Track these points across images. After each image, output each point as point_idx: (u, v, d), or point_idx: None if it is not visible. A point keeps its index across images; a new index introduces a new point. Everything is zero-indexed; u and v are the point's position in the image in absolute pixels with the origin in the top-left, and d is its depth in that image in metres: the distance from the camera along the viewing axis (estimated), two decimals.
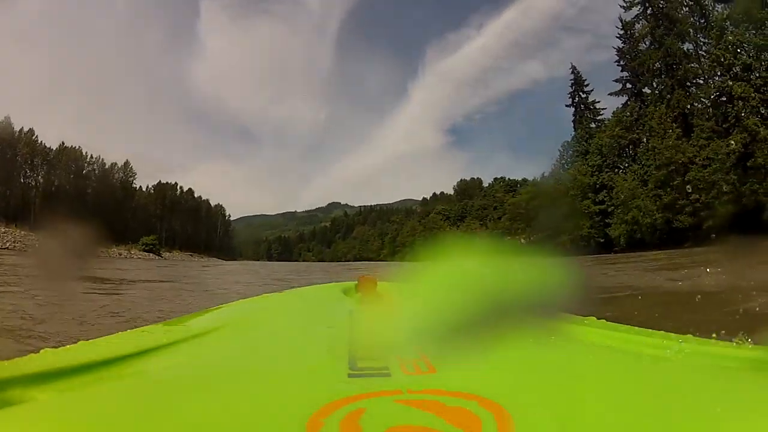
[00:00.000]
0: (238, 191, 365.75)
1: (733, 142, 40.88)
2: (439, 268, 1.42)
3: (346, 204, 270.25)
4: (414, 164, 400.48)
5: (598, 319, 1.65)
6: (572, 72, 67.44)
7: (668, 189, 43.78)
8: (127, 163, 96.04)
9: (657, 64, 50.96)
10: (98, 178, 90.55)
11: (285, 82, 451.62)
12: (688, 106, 47.20)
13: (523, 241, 61.23)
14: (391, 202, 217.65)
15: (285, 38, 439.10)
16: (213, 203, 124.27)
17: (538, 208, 60.37)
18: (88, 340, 1.26)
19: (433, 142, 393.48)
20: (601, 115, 63.42)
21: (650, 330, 1.39)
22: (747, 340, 1.21)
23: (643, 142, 50.80)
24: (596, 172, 54.43)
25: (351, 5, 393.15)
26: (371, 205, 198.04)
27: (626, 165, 52.79)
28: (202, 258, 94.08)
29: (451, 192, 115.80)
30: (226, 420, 0.70)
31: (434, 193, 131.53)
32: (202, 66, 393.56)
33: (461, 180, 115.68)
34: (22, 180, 79.90)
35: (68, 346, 1.14)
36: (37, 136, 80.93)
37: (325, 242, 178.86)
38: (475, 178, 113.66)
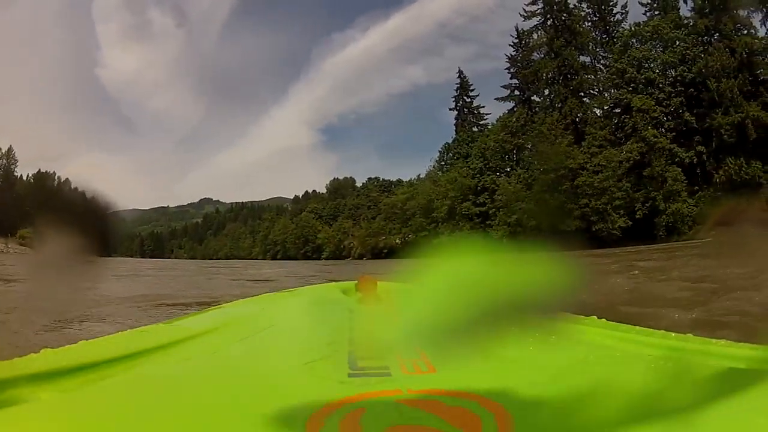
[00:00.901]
0: (114, 184, 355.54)
1: (626, 150, 44.05)
2: (439, 268, 1.38)
3: (218, 200, 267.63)
4: (287, 162, 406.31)
5: (599, 319, 1.60)
6: (459, 76, 68.75)
7: (555, 194, 44.98)
8: (10, 149, 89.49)
9: (551, 73, 53.23)
10: None
11: (165, 71, 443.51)
12: (580, 115, 49.61)
13: (398, 241, 60.20)
14: (263, 199, 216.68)
15: (169, 27, 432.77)
16: (88, 196, 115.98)
17: (415, 208, 61.00)
18: (88, 339, 1.25)
19: (307, 141, 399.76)
20: (485, 119, 65.01)
21: (650, 330, 1.38)
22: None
23: (528, 147, 52.87)
24: (477, 175, 55.39)
25: None
26: (243, 202, 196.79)
27: (509, 169, 54.21)
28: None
29: (324, 191, 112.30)
30: (227, 420, 0.72)
31: (306, 191, 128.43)
32: (89, 54, 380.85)
33: (334, 179, 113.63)
34: None
35: (68, 346, 1.16)
36: None
37: (196, 239, 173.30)
38: (348, 177, 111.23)
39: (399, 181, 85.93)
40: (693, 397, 0.78)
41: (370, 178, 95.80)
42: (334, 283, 3.20)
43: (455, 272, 1.27)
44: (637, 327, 1.43)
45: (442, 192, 56.70)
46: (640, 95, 44.52)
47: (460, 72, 68.49)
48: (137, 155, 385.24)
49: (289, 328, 1.64)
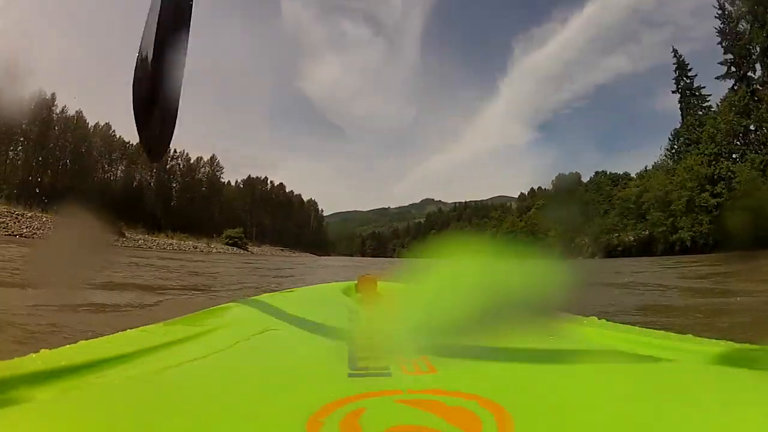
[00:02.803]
0: (330, 188, 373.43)
1: None
2: (439, 268, 1.41)
3: (440, 200, 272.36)
4: (506, 160, 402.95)
5: (599, 319, 1.65)
6: (674, 55, 65.02)
7: None
8: (213, 158, 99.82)
9: (764, 44, 49.00)
10: (183, 173, 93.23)
11: (373, 80, 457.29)
12: None
13: (631, 238, 58.60)
14: (485, 198, 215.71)
15: (368, 38, 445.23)
16: (305, 199, 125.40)
17: (652, 201, 57.61)
18: (88, 340, 1.26)
19: (524, 138, 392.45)
20: (708, 101, 61.99)
21: (650, 330, 1.42)
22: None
23: (754, 129, 49.32)
24: (713, 162, 52.11)
25: (433, 2, 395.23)
26: (465, 202, 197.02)
27: (742, 153, 50.79)
28: (293, 253, 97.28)
29: (549, 187, 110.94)
30: (227, 420, 0.72)
31: (532, 188, 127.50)
32: (296, 66, 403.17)
33: (559, 174, 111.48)
34: (99, 175, 79.98)
35: (68, 345, 1.17)
36: (114, 131, 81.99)
37: (419, 238, 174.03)
38: (574, 172, 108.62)
39: (626, 173, 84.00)
40: (693, 398, 0.82)
41: (597, 172, 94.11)
42: (334, 283, 3.25)
43: (455, 272, 1.36)
44: (637, 327, 1.49)
45: (679, 182, 54.93)
46: None
47: (675, 51, 65.43)
48: (352, 160, 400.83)
49: (289, 328, 1.64)
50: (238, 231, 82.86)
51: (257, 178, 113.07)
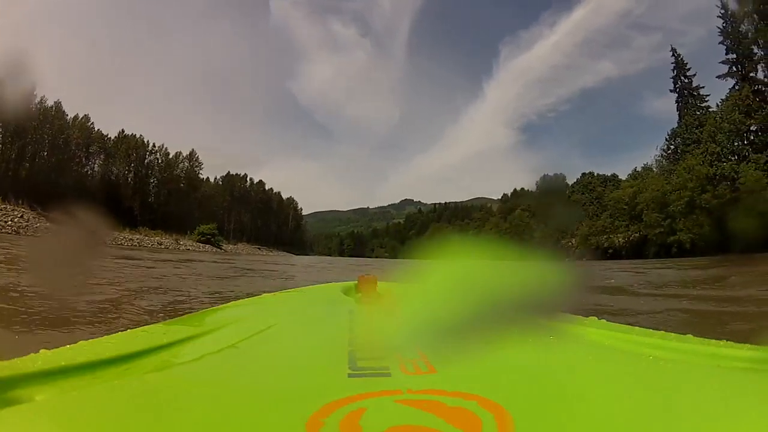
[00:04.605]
0: (310, 187, 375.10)
1: None
2: (440, 268, 1.47)
3: (420, 201, 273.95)
4: (487, 162, 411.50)
5: (599, 319, 1.67)
6: (672, 54, 65.76)
7: None
8: (192, 153, 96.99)
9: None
10: (161, 168, 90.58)
11: (359, 81, 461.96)
12: None
13: (621, 240, 57.93)
14: (465, 199, 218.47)
15: (356, 39, 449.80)
16: (285, 197, 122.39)
17: (647, 202, 57.07)
18: (87, 340, 1.27)
19: (506, 140, 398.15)
20: (706, 101, 61.92)
21: (650, 330, 1.44)
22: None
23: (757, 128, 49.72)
24: (715, 162, 51.71)
25: (422, 3, 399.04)
26: (446, 203, 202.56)
27: (746, 154, 50.31)
28: (270, 252, 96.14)
29: (533, 188, 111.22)
30: (226, 420, 0.74)
31: (515, 189, 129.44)
32: (281, 65, 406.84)
33: (544, 175, 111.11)
34: (76, 168, 77.41)
35: (68, 345, 1.17)
36: (93, 123, 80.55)
37: (398, 239, 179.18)
38: (559, 173, 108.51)
39: (614, 175, 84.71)
40: (693, 398, 0.83)
41: (584, 174, 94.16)
42: (334, 283, 3.23)
43: (455, 272, 1.37)
44: (637, 327, 1.48)
45: (679, 183, 54.17)
46: None
47: (674, 51, 65.97)
48: (334, 160, 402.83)
49: (289, 328, 1.64)
50: (211, 227, 79.94)
51: (236, 175, 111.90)
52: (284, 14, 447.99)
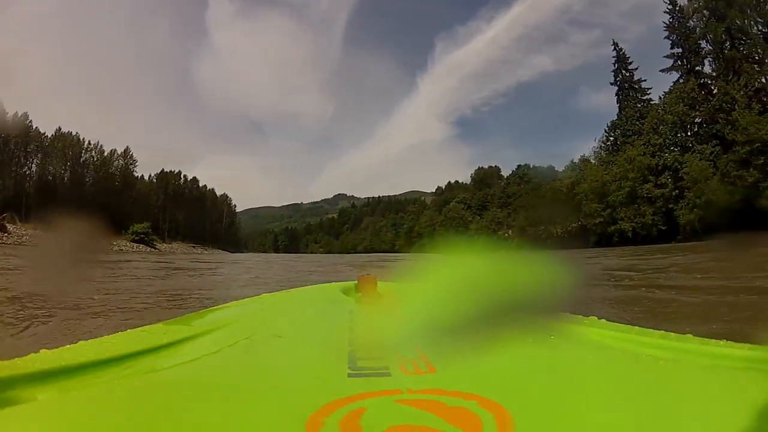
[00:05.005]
0: (243, 184, 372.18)
1: None
2: (440, 268, 1.45)
3: (353, 196, 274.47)
4: (421, 156, 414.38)
5: (599, 319, 1.67)
6: (614, 48, 66.85)
7: (750, 169, 41.81)
8: (127, 150, 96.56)
9: (720, 38, 49.84)
10: (96, 166, 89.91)
11: (293, 75, 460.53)
12: (763, 81, 46.09)
13: (559, 231, 57.98)
14: (399, 193, 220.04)
15: (292, 32, 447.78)
16: (218, 194, 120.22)
17: (586, 193, 58.19)
18: (87, 340, 1.29)
19: (440, 134, 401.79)
20: (648, 95, 62.96)
21: (650, 330, 1.44)
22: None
23: (705, 120, 49.64)
24: (658, 153, 52.47)
25: None
26: (379, 197, 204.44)
27: (690, 145, 50.71)
28: (206, 250, 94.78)
29: (468, 181, 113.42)
30: (226, 420, 0.74)
31: (449, 182, 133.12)
32: (210, 59, 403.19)
33: (479, 168, 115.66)
34: (14, 169, 77.62)
35: (68, 345, 1.19)
36: (31, 121, 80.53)
37: (332, 234, 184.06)
38: (494, 166, 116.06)
39: (551, 167, 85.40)
40: (692, 397, 0.84)
41: (519, 166, 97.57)
42: (334, 282, 3.05)
43: (455, 272, 1.36)
44: (637, 327, 1.47)
45: (620, 173, 54.77)
46: None
47: (615, 45, 66.92)
48: (266, 156, 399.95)
49: (289, 328, 1.61)
50: (144, 226, 76.59)
51: (171, 172, 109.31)
52: (218, 10, 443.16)
